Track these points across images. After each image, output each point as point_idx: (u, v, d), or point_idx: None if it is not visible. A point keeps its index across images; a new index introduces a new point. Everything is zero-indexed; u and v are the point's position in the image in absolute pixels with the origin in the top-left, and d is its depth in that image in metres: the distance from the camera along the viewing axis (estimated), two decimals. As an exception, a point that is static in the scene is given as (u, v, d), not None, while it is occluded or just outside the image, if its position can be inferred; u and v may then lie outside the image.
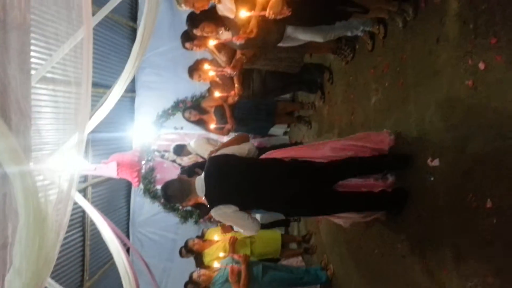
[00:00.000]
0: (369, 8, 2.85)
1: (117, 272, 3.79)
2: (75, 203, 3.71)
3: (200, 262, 4.95)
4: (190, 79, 4.55)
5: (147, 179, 7.27)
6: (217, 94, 4.62)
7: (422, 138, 2.48)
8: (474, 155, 2.00)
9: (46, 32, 1.98)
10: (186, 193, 2.59)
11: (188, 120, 5.14)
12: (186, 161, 5.97)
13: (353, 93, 3.73)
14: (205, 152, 5.38)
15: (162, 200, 7.28)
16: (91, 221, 4.40)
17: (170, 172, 6.78)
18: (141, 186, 6.97)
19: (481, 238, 1.93)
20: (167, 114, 7.19)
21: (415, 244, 2.54)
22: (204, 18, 3.31)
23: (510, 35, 1.77)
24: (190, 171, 4.52)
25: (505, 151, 1.81)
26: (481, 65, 1.93)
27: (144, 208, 7.46)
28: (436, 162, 2.31)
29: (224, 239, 4.91)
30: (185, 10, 3.14)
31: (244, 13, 2.73)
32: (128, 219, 7.49)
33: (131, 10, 7.06)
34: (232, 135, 6.11)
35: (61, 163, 2.53)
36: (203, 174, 2.57)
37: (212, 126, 4.99)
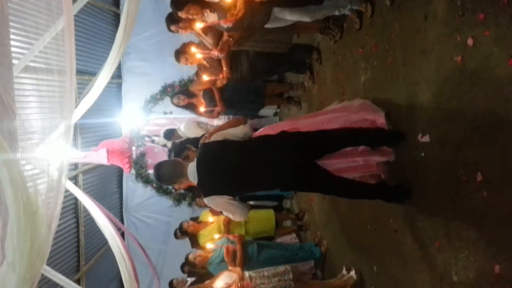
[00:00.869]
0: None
1: (113, 256, 3.82)
2: (67, 190, 3.70)
3: (195, 243, 5.00)
4: (177, 63, 4.47)
5: (139, 164, 7.24)
6: (205, 77, 4.56)
7: (412, 115, 2.49)
8: (463, 130, 2.02)
9: (27, 21, 1.92)
10: (177, 175, 2.59)
11: (177, 105, 5.09)
12: (176, 145, 5.95)
13: (342, 73, 3.72)
14: (195, 136, 5.36)
15: (154, 184, 7.29)
16: (84, 207, 4.39)
17: (161, 156, 6.78)
18: (133, 171, 6.94)
19: (472, 211, 1.97)
20: (155, 99, 7.11)
21: (407, 219, 2.59)
22: (189, 0, 3.24)
23: (497, 11, 1.76)
24: (181, 146, 4.51)
25: (494, 126, 1.83)
26: (470, 41, 1.93)
27: (137, 193, 7.46)
28: (426, 138, 2.33)
29: (218, 220, 4.94)
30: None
31: (229, -6, 2.68)
32: (121, 204, 7.49)
33: (113, -5, 6.89)
34: (222, 117, 6.10)
35: (50, 152, 2.50)
36: (195, 161, 2.55)
37: (202, 109, 4.96)
